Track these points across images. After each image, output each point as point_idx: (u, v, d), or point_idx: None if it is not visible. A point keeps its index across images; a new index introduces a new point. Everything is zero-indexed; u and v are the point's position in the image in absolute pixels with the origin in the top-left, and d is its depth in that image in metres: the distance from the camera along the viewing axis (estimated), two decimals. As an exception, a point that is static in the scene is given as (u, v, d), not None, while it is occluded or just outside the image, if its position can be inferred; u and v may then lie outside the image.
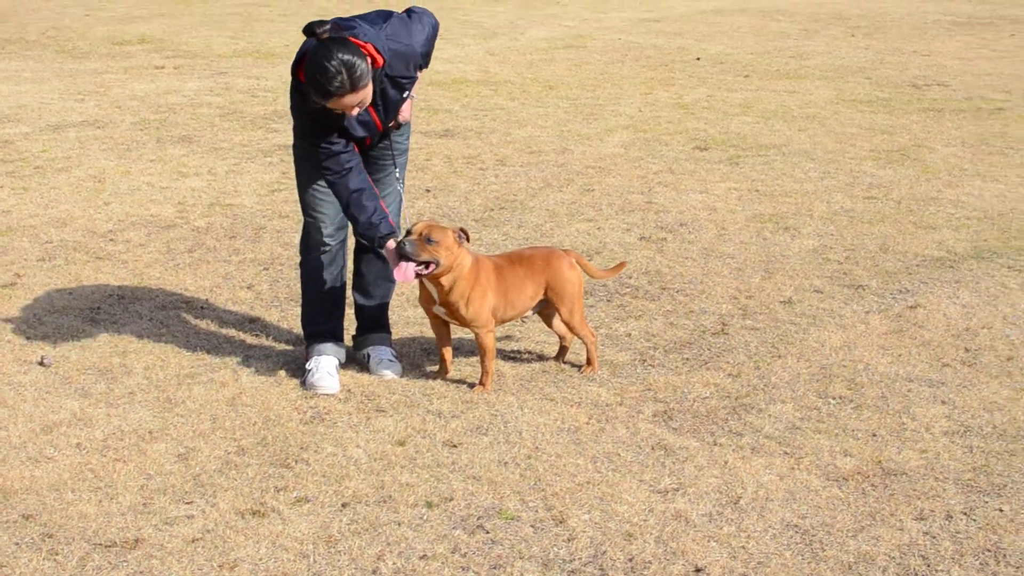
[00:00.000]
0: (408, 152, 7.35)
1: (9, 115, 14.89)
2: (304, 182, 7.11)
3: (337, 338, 7.39)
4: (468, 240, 6.87)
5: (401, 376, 7.31)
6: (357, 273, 7.50)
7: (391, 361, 7.36)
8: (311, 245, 7.23)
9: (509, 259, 7.20)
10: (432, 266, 6.76)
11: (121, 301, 8.49)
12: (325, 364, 7.21)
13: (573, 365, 7.45)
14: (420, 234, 6.72)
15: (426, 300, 7.09)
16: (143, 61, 19.29)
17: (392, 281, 7.44)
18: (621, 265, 7.76)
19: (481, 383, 7.09)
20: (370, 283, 7.44)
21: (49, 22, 23.84)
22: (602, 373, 7.33)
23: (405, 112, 7.03)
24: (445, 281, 6.88)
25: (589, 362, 7.35)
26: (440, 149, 13.02)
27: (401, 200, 7.36)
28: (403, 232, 6.91)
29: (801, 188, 11.49)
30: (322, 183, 6.96)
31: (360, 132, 6.82)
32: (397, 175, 7.25)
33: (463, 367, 7.42)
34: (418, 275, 6.79)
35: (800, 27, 23.80)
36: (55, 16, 24.74)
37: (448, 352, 7.25)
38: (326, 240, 7.17)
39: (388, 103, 6.85)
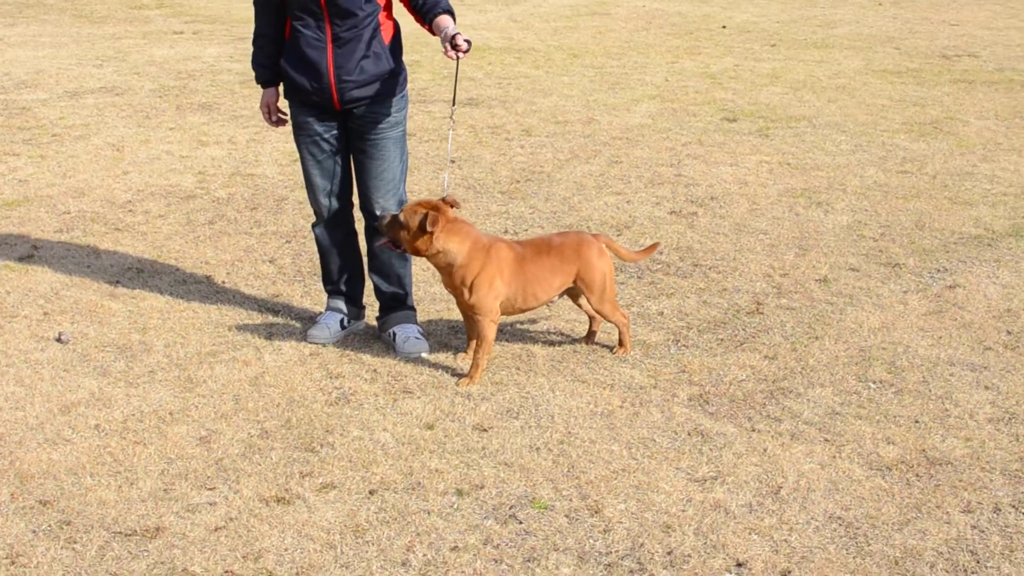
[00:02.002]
0: (404, 125, 7.14)
1: (27, 81, 14.72)
2: (300, 152, 7.20)
3: (347, 296, 7.45)
4: (434, 224, 6.56)
5: (429, 354, 7.12)
6: (371, 255, 7.36)
7: (418, 339, 7.19)
8: (314, 211, 7.36)
9: (536, 248, 6.93)
10: (401, 247, 6.78)
11: (140, 275, 8.30)
12: (324, 317, 7.40)
13: (604, 346, 7.24)
14: (397, 214, 6.71)
15: (442, 279, 6.94)
16: (162, 26, 19.11)
17: (404, 265, 7.32)
18: (654, 246, 7.50)
19: (468, 375, 6.80)
20: (384, 263, 7.28)
21: (67, -14, 23.67)
22: (635, 354, 7.12)
23: (454, 32, 6.69)
24: (438, 263, 6.76)
25: (621, 344, 7.15)
26: (464, 118, 12.81)
27: (403, 174, 7.17)
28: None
29: (833, 162, 11.26)
30: (314, 153, 7.10)
31: None
32: (396, 153, 7.09)
33: (494, 347, 7.21)
34: (391, 247, 6.87)
35: (826, -5, 23.53)
36: (73, -21, 24.56)
37: (476, 331, 7.05)
38: (321, 207, 7.26)
39: None
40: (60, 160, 11.16)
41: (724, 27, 19.54)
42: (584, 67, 16.03)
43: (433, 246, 6.64)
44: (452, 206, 6.72)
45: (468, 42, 6.68)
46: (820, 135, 12.27)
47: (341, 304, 7.43)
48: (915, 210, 9.82)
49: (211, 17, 19.98)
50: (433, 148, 11.57)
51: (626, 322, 7.13)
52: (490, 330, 6.76)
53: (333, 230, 7.32)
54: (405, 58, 7.18)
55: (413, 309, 7.39)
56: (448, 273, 6.76)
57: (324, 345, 7.21)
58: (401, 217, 6.64)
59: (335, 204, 7.23)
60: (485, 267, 6.70)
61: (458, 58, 6.71)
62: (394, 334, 7.23)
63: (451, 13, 6.87)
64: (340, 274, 7.42)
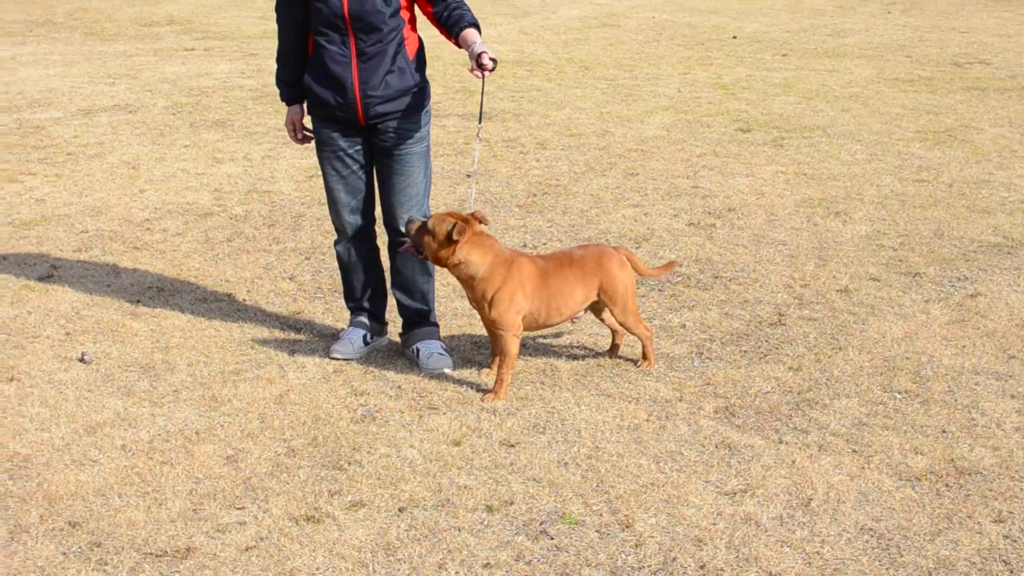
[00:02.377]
0: (428, 140, 7.13)
1: (39, 99, 14.73)
2: (323, 168, 7.19)
3: (370, 313, 7.45)
4: (461, 234, 6.58)
5: (453, 369, 7.11)
6: (394, 271, 7.34)
7: (441, 355, 7.18)
8: (336, 228, 7.33)
9: (559, 262, 6.92)
10: (423, 253, 6.79)
11: (161, 293, 8.30)
12: (348, 332, 7.38)
13: (628, 359, 7.23)
14: (425, 220, 6.70)
15: (466, 294, 6.94)
16: (172, 43, 19.12)
17: (427, 280, 7.31)
18: (671, 265, 7.51)
19: (493, 391, 6.78)
20: (408, 279, 7.28)
21: (76, 3, 23.72)
22: (659, 367, 7.11)
23: (480, 50, 6.68)
24: (459, 275, 6.75)
25: (645, 357, 7.13)
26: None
27: (427, 189, 7.17)
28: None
29: (849, 171, 11.25)
30: (338, 169, 7.08)
31: None
32: (420, 168, 7.08)
33: (518, 361, 7.19)
34: (413, 253, 6.87)
35: (835, 4, 23.53)
36: (82, -2, 24.61)
37: (500, 346, 7.04)
38: (345, 224, 7.23)
39: None
40: (76, 179, 11.17)
41: (735, 37, 19.55)
42: (596, 79, 16.03)
43: (455, 256, 6.63)
44: (480, 222, 6.72)
45: (494, 60, 6.68)
46: (835, 144, 12.26)
47: (364, 320, 7.41)
48: (933, 219, 9.80)
49: (221, 33, 19.99)
50: (448, 162, 11.57)
51: (649, 335, 7.12)
52: (513, 345, 6.74)
53: (357, 246, 7.30)
54: (418, 71, 7.16)
55: (436, 325, 7.38)
56: (470, 287, 6.75)
57: (348, 361, 7.20)
58: (429, 224, 6.63)
59: (359, 220, 7.21)
60: (507, 281, 6.69)
61: (484, 76, 6.72)
62: (417, 350, 7.22)
63: (476, 26, 6.86)
64: (363, 291, 7.41)
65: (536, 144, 12.34)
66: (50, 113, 13.98)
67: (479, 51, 6.66)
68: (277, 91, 7.18)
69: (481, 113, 7.37)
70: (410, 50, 6.89)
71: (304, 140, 7.27)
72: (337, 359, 7.23)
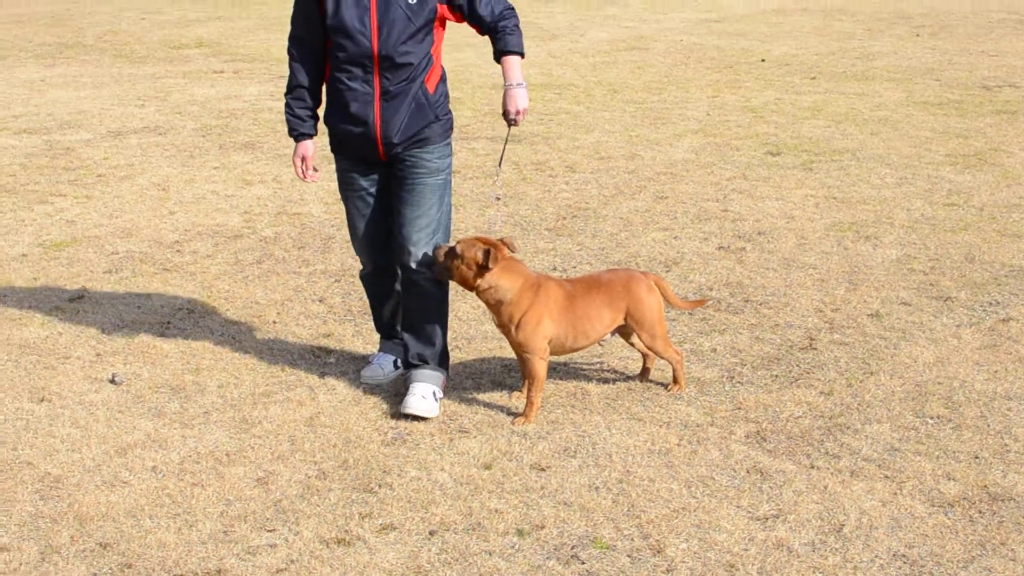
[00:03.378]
0: (446, 174, 6.92)
1: (69, 121, 14.78)
2: (346, 206, 7.15)
3: (396, 338, 7.40)
4: (495, 262, 6.58)
5: (432, 416, 6.78)
6: (405, 309, 7.15)
7: (424, 398, 6.80)
8: (361, 262, 7.37)
9: (587, 285, 6.91)
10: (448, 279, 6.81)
11: (191, 315, 8.31)
12: (377, 358, 7.37)
13: (658, 383, 7.20)
14: (453, 245, 6.69)
15: (492, 318, 6.93)
16: (201, 65, 19.19)
17: (437, 323, 7.05)
18: (702, 301, 7.64)
19: (524, 414, 6.76)
20: (416, 321, 7.03)
21: (105, 26, 23.81)
22: (690, 391, 7.09)
23: (521, 101, 6.72)
24: (487, 299, 6.75)
25: (676, 380, 7.11)
26: (508, 155, 12.78)
27: (448, 228, 6.96)
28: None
29: (879, 195, 11.21)
30: (360, 208, 7.04)
31: (351, 15, 6.60)
32: (434, 201, 6.86)
33: (547, 385, 7.16)
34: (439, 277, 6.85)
35: (864, 27, 23.46)
36: (111, 20, 24.71)
37: (530, 369, 7.01)
38: (369, 259, 7.23)
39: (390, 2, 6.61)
40: (106, 200, 11.20)
41: (763, 60, 19.51)
42: (624, 102, 16.02)
43: (485, 281, 6.63)
44: (509, 248, 6.71)
45: (518, 113, 6.76)
46: (864, 168, 12.21)
47: (393, 345, 7.39)
48: (964, 243, 9.76)
49: (250, 56, 20.06)
50: (477, 185, 11.57)
51: (679, 359, 7.10)
52: (540, 367, 6.72)
53: (381, 279, 7.28)
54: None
55: (440, 369, 7.07)
56: (497, 311, 6.75)
57: (378, 384, 7.20)
58: (458, 249, 6.62)
59: (383, 255, 7.15)
60: (534, 305, 6.68)
61: (509, 128, 6.93)
62: (409, 383, 6.95)
63: (518, 53, 6.82)
64: (390, 318, 7.39)
65: (565, 167, 12.34)
66: (80, 135, 14.04)
67: (505, 105, 6.74)
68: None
69: (501, 161, 7.41)
70: (431, 84, 6.79)
71: (313, 178, 7.07)
72: (366, 383, 7.21)
